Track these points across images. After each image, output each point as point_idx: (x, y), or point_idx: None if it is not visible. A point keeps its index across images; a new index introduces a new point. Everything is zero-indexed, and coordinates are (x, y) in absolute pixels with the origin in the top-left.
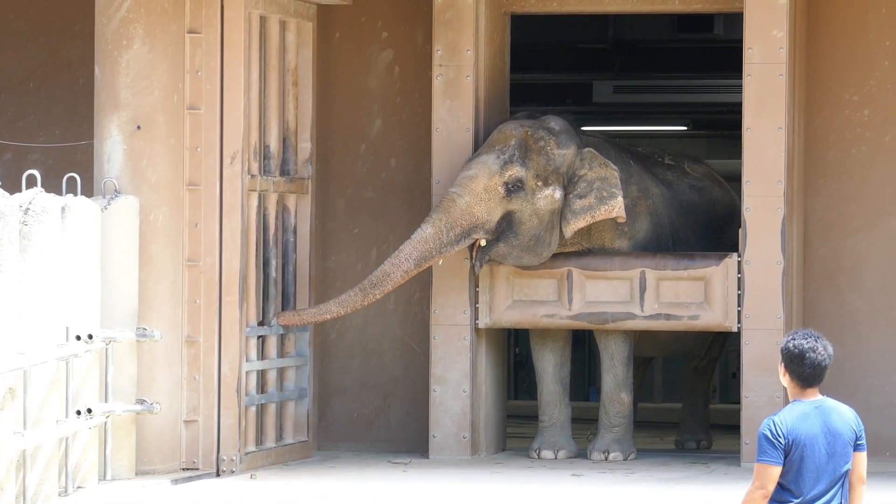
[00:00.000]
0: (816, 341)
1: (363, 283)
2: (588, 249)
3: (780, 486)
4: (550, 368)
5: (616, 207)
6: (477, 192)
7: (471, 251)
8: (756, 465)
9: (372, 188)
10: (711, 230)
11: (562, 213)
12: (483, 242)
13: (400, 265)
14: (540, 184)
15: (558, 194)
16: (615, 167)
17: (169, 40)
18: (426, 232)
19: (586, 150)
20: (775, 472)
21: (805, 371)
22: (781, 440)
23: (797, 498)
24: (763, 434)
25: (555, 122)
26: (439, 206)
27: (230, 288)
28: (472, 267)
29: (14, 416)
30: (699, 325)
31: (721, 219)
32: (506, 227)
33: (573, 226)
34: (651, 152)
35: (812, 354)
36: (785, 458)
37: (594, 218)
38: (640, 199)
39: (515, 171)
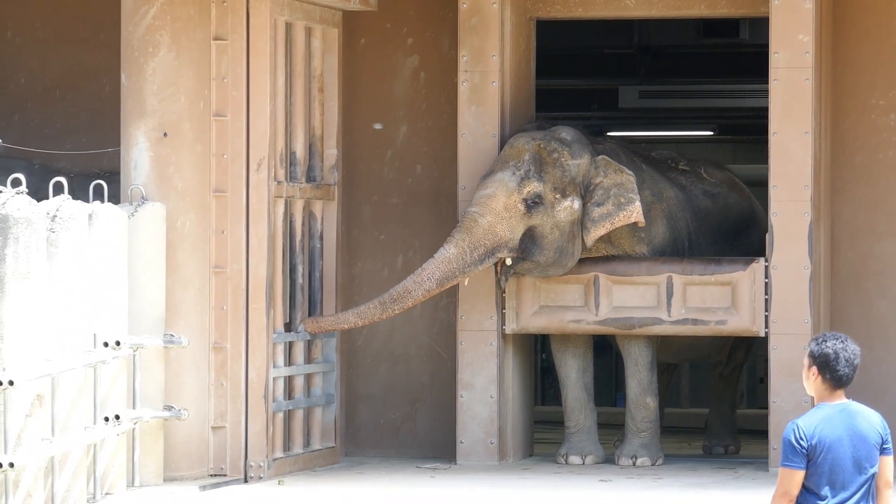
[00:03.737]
0: (846, 342)
1: (384, 296)
2: (613, 255)
3: (806, 490)
4: (573, 374)
5: (634, 213)
6: (497, 212)
7: (496, 267)
8: (780, 469)
9: (398, 194)
10: (724, 236)
11: (581, 223)
12: (509, 261)
13: (422, 284)
14: (558, 196)
15: (577, 204)
16: (630, 172)
17: (195, 47)
18: (449, 252)
19: (600, 157)
20: (798, 476)
21: (840, 371)
22: (804, 443)
23: (822, 501)
24: (786, 438)
25: (566, 132)
26: (461, 227)
27: (257, 294)
28: (498, 282)
29: (42, 422)
30: (726, 330)
31: (735, 225)
32: (529, 242)
33: (594, 234)
34: (665, 157)
35: (845, 354)
36: (808, 461)
37: (613, 225)
38: (655, 202)
39: (533, 186)
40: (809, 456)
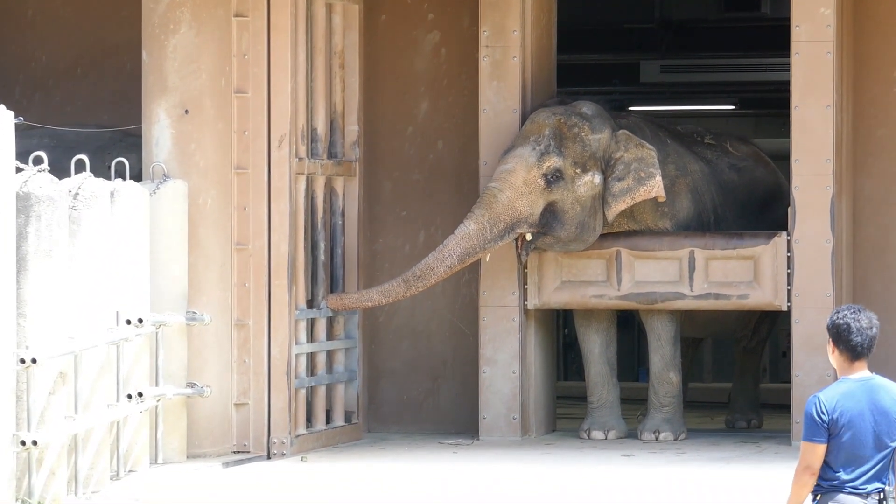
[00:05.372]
0: (860, 312)
1: (407, 274)
2: (635, 230)
3: (826, 463)
4: (597, 349)
5: (655, 187)
6: (517, 187)
7: (516, 242)
8: (802, 443)
9: (419, 170)
10: (751, 210)
11: (602, 198)
12: (529, 236)
13: (444, 260)
14: (578, 171)
15: (598, 179)
16: (651, 147)
17: (216, 24)
18: (469, 228)
19: (620, 132)
20: (820, 450)
21: (853, 341)
22: (825, 417)
23: (844, 475)
24: (808, 413)
25: (587, 107)
26: (481, 202)
27: (279, 271)
28: (519, 257)
29: (65, 400)
30: (749, 304)
31: (762, 199)
32: (550, 217)
33: (615, 209)
34: (691, 131)
35: (858, 325)
36: (830, 435)
37: (634, 199)
38: (679, 177)
39: (553, 161)
40: (830, 430)
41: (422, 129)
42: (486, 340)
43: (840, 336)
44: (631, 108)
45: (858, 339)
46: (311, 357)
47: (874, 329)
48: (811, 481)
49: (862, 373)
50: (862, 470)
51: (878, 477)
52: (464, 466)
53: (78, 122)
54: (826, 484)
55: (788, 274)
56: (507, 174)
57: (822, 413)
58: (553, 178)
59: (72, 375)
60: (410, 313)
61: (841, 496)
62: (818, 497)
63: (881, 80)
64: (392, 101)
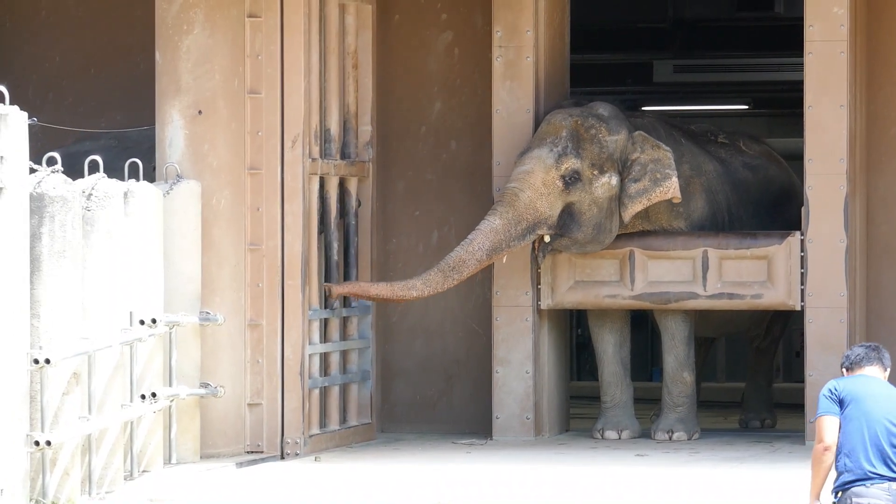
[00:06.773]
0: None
1: (441, 264)
2: (648, 230)
3: (841, 449)
4: (610, 349)
5: (671, 188)
6: (536, 187)
7: (533, 244)
8: (816, 422)
9: (432, 170)
10: (765, 208)
11: (619, 199)
12: (547, 238)
13: (474, 253)
14: (596, 172)
15: (615, 180)
16: (668, 148)
17: (229, 25)
18: (495, 223)
19: (637, 133)
20: (829, 422)
21: (854, 352)
22: (836, 393)
23: (861, 459)
24: (821, 394)
25: (603, 108)
26: (503, 201)
27: (292, 271)
28: (535, 258)
29: (79, 400)
30: (762, 303)
31: (776, 198)
32: (567, 219)
33: (631, 210)
34: (704, 130)
35: (855, 347)
36: (841, 408)
37: (650, 200)
38: (693, 177)
39: (571, 162)
40: (841, 403)
41: (435, 129)
42: (499, 340)
43: (848, 359)
44: (644, 108)
45: (859, 350)
46: (325, 357)
47: (872, 348)
48: (826, 457)
49: (876, 374)
50: (876, 454)
51: (893, 462)
52: (477, 466)
53: (91, 122)
54: (844, 471)
55: (802, 273)
56: (526, 175)
57: (834, 390)
58: (571, 180)
59: (85, 376)
60: (423, 313)
61: (861, 489)
62: (839, 494)
63: (895, 80)
64: (405, 101)
